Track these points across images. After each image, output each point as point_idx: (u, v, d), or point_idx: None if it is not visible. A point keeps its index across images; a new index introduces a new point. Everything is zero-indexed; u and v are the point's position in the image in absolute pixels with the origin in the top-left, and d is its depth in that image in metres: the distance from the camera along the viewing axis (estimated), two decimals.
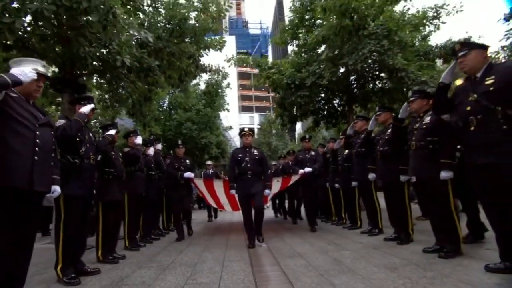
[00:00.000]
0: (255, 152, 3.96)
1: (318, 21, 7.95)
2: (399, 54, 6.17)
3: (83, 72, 5.02)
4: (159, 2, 5.80)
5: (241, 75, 43.89)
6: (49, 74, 2.12)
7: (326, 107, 8.65)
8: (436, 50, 7.25)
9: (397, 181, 3.27)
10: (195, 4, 5.97)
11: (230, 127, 16.59)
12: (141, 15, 5.68)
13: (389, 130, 3.46)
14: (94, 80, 6.39)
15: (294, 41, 8.72)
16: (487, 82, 2.00)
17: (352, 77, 7.48)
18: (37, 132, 1.89)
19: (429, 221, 3.01)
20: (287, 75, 7.48)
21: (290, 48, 9.43)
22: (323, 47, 7.50)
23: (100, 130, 3.64)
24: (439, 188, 2.59)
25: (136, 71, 4.98)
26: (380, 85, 7.58)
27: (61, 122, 2.48)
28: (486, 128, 1.96)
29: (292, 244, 3.73)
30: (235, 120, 33.17)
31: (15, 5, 3.42)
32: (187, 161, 4.90)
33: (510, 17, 6.44)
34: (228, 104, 14.15)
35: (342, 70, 7.11)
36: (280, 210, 7.38)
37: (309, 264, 2.69)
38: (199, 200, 11.62)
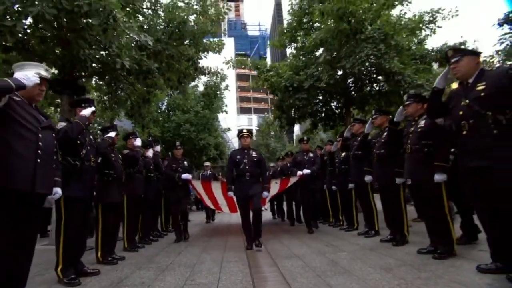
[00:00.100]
0: (254, 154, 3.94)
1: (316, 24, 8.03)
2: (396, 58, 6.25)
3: (83, 74, 5.06)
4: (158, 5, 5.85)
5: (240, 77, 43.99)
6: (49, 76, 2.15)
7: (324, 110, 8.72)
8: (432, 54, 7.34)
9: (393, 183, 3.33)
10: (194, 7, 6.03)
11: (229, 129, 16.62)
12: (140, 18, 5.72)
13: (385, 133, 3.52)
14: (93, 82, 6.41)
15: (293, 44, 8.79)
16: (479, 88, 2.06)
17: (349, 80, 7.55)
18: (40, 135, 1.93)
19: (424, 223, 3.07)
20: (285, 77, 7.55)
21: (289, 50, 9.51)
22: (321, 50, 7.57)
23: (99, 132, 3.67)
24: (433, 191, 2.65)
25: (136, 73, 5.02)
26: (377, 88, 7.67)
27: (62, 124, 2.51)
28: (478, 132, 2.02)
29: (290, 246, 3.77)
30: (234, 121, 33.21)
31: (16, 7, 3.46)
32: (185, 162, 4.90)
33: (504, 22, 6.55)
34: (226, 106, 14.20)
35: (339, 73, 7.19)
36: (278, 212, 7.41)
37: (306, 265, 2.73)
38: (197, 202, 11.63)
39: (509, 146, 1.86)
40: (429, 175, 2.60)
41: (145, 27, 5.54)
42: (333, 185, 5.12)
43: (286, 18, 9.10)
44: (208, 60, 6.80)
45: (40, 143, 1.91)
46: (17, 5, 3.45)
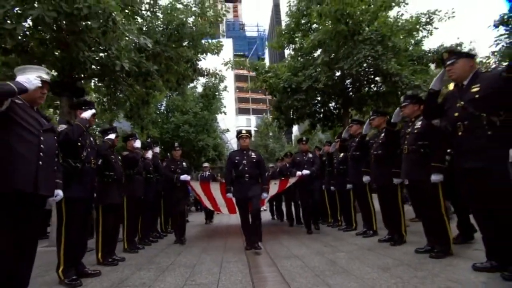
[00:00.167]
0: (253, 155, 3.91)
1: (314, 26, 8.08)
2: (393, 59, 6.31)
3: (82, 76, 5.07)
4: (157, 7, 5.87)
5: (238, 77, 44.03)
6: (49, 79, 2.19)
7: (322, 110, 8.76)
8: (429, 55, 7.41)
9: (390, 184, 3.37)
10: (193, 9, 6.06)
11: (227, 130, 16.65)
12: (139, 20, 5.75)
13: (383, 134, 3.56)
14: (92, 84, 6.43)
15: (291, 45, 8.84)
16: (473, 90, 2.10)
17: (347, 81, 7.59)
18: (42, 138, 1.96)
19: (421, 222, 3.10)
20: (283, 79, 7.59)
21: (287, 52, 9.55)
22: (319, 51, 7.62)
23: (97, 133, 3.69)
24: (430, 191, 2.69)
25: (135, 75, 5.04)
26: (375, 89, 7.72)
27: (63, 127, 2.53)
28: (473, 134, 2.06)
29: (289, 246, 3.80)
30: (232, 122, 33.23)
31: (16, 10, 3.48)
32: (184, 163, 4.88)
33: (500, 24, 6.63)
34: (225, 107, 14.23)
35: (337, 74, 7.22)
36: (277, 213, 7.43)
37: (305, 265, 2.76)
38: (196, 203, 11.65)
39: (503, 147, 1.90)
40: (425, 175, 2.64)
41: (144, 29, 5.56)
42: (331, 186, 5.15)
43: (284, 19, 9.15)
44: (207, 61, 6.83)
45: (42, 146, 1.94)
46: (16, 8, 3.47)
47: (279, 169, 6.86)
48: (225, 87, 13.53)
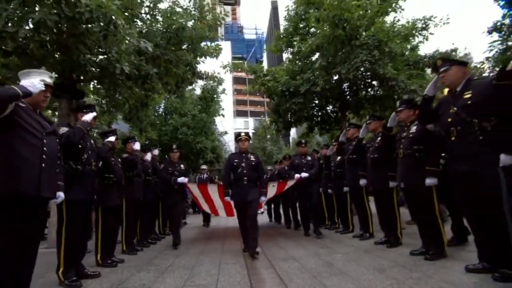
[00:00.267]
0: (252, 158, 3.86)
1: (312, 30, 8.18)
2: (390, 64, 6.40)
3: (81, 78, 5.10)
4: (157, 10, 5.93)
5: (236, 80, 44.15)
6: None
7: (319, 114, 8.84)
8: (425, 59, 7.51)
9: (386, 187, 3.43)
10: (192, 12, 6.13)
11: (225, 132, 16.70)
12: (139, 23, 5.80)
13: (379, 138, 3.63)
14: (91, 86, 6.46)
15: (289, 49, 8.93)
16: (465, 96, 2.17)
17: (345, 85, 7.68)
18: (44, 141, 1.99)
19: (417, 225, 3.16)
20: (282, 82, 7.67)
21: (285, 55, 9.65)
22: (317, 55, 7.71)
23: (95, 135, 3.71)
24: (425, 195, 2.75)
25: (135, 78, 5.08)
26: (372, 93, 7.81)
27: (64, 129, 2.56)
28: (465, 139, 2.13)
29: (286, 248, 3.84)
30: (230, 124, 33.32)
31: (17, 13, 3.51)
32: (181, 165, 4.83)
33: (493, 30, 6.78)
34: (223, 109, 14.28)
35: (335, 78, 7.31)
36: (275, 215, 7.45)
37: (303, 266, 2.80)
38: (194, 205, 11.65)
39: (494, 152, 1.96)
40: (420, 179, 2.70)
41: (144, 31, 5.60)
42: (328, 189, 5.21)
43: (283, 23, 9.25)
44: (206, 64, 6.89)
45: (44, 148, 1.98)
46: (18, 11, 3.50)
47: (278, 171, 6.89)
48: (224, 89, 13.59)
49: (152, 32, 5.64)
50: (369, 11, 6.73)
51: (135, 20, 5.58)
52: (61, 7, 3.42)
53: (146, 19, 5.88)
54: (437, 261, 2.59)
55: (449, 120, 2.26)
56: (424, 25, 7.45)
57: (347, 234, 4.60)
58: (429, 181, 2.65)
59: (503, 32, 6.83)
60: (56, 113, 5.76)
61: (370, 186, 3.91)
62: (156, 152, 5.07)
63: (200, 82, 11.93)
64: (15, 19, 3.53)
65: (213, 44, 6.75)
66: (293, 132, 26.86)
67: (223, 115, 14.28)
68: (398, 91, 6.52)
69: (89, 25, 3.87)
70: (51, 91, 2.25)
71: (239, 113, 48.05)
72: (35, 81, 1.94)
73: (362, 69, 6.61)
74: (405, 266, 2.53)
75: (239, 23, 61.52)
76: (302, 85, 7.30)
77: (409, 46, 7.95)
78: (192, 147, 12.65)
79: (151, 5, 5.78)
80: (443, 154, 2.92)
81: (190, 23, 5.97)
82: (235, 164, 3.81)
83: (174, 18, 5.76)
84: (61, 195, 2.20)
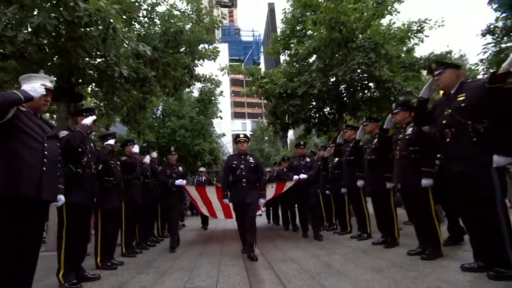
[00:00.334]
0: (251, 160, 3.82)
1: (309, 32, 8.24)
2: (386, 66, 6.47)
3: (79, 81, 5.11)
4: (155, 13, 5.96)
5: (234, 82, 44.22)
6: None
7: (317, 115, 8.89)
8: (420, 62, 7.60)
9: (383, 188, 3.47)
10: (190, 15, 6.16)
11: (223, 134, 16.71)
12: (137, 26, 5.82)
13: (376, 140, 3.68)
14: (89, 89, 6.46)
15: (286, 51, 8.98)
16: (459, 99, 2.22)
17: (341, 87, 7.73)
18: (45, 144, 2.01)
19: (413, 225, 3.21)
20: (279, 84, 7.71)
21: (282, 57, 9.70)
22: (314, 57, 7.77)
23: (93, 137, 3.71)
24: (421, 196, 2.80)
25: (133, 81, 5.09)
26: (368, 95, 7.88)
27: (64, 133, 2.58)
28: (459, 140, 2.18)
29: (285, 249, 3.87)
30: (228, 126, 33.31)
31: (16, 17, 3.52)
32: (180, 168, 4.81)
33: (486, 32, 6.89)
34: (221, 111, 14.30)
35: (332, 80, 7.36)
36: (273, 217, 7.47)
37: (301, 267, 2.83)
38: (192, 207, 11.63)
39: (487, 153, 2.01)
40: (416, 180, 2.74)
41: (142, 34, 5.62)
42: (326, 190, 5.25)
43: (280, 26, 9.31)
44: (203, 67, 6.91)
45: (45, 152, 2.00)
46: (16, 15, 3.52)
47: (276, 173, 6.91)
48: (221, 92, 13.61)
49: (150, 35, 5.66)
50: (365, 14, 6.81)
51: (133, 23, 5.60)
52: (60, 11, 3.44)
53: (144, 22, 5.90)
54: (433, 261, 2.63)
55: (444, 122, 2.31)
56: (419, 28, 7.56)
57: (345, 235, 4.64)
58: (425, 182, 2.69)
59: (496, 35, 6.95)
60: (54, 116, 5.73)
61: (368, 187, 3.95)
62: (154, 155, 5.09)
63: (198, 85, 11.95)
64: (13, 22, 3.56)
65: (211, 47, 6.79)
66: (290, 133, 26.94)
67: (220, 117, 14.30)
68: (394, 93, 6.60)
69: (88, 29, 3.89)
70: (52, 95, 2.27)
71: (236, 115, 48.08)
72: (36, 85, 1.97)
73: (358, 71, 6.68)
74: (403, 266, 2.57)
75: (236, 25, 61.67)
76: (300, 87, 7.35)
77: (404, 49, 8.04)
78: (190, 149, 12.66)
79: (149, 8, 5.82)
80: (438, 156, 2.97)
81: (188, 26, 6.01)
82: (234, 165, 3.79)
83: (172, 21, 5.79)
84: (61, 198, 2.22)
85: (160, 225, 5.69)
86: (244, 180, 3.69)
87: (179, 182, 4.52)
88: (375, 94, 7.60)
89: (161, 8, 6.06)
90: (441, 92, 2.67)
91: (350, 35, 6.54)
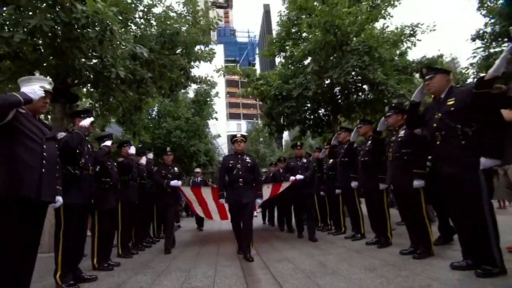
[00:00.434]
0: (247, 159, 3.78)
1: (304, 35, 8.35)
2: (379, 69, 6.60)
3: (75, 82, 5.09)
4: (151, 15, 5.97)
5: (229, 83, 44.22)
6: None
7: (312, 117, 8.99)
8: (413, 65, 7.78)
9: (377, 189, 3.55)
10: (187, 17, 6.19)
11: (219, 135, 16.73)
12: (133, 27, 5.82)
13: (369, 142, 3.76)
14: (85, 90, 6.43)
15: (281, 53, 9.07)
16: (449, 103, 2.31)
17: (336, 89, 7.85)
18: (44, 146, 2.03)
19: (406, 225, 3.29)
20: (274, 86, 7.79)
21: (278, 59, 9.79)
22: (309, 60, 7.86)
23: (89, 138, 3.70)
24: (413, 197, 2.88)
25: (129, 82, 5.10)
26: (362, 97, 8.00)
27: (62, 134, 2.60)
28: (449, 143, 2.27)
29: (281, 250, 3.92)
30: (223, 127, 33.30)
31: (13, 18, 3.51)
32: (175, 168, 4.80)
33: (476, 37, 7.08)
34: (216, 112, 14.33)
35: (327, 82, 7.47)
36: (269, 218, 7.51)
37: (297, 267, 2.89)
38: (187, 208, 11.62)
39: (475, 156, 2.10)
40: (408, 181, 2.83)
41: (138, 35, 5.63)
42: (321, 191, 5.31)
43: (275, 28, 9.40)
44: (199, 68, 6.94)
45: (44, 154, 2.02)
46: (13, 16, 3.50)
47: (272, 174, 6.96)
48: (217, 93, 13.64)
49: (146, 36, 5.66)
50: (359, 17, 6.92)
51: (129, 24, 5.60)
52: (56, 13, 3.44)
53: (140, 23, 5.90)
54: (424, 260, 2.71)
55: (434, 125, 2.39)
56: (412, 32, 7.72)
57: (340, 235, 4.71)
58: (417, 183, 2.77)
59: (485, 40, 7.15)
60: (49, 117, 5.69)
61: (361, 188, 4.03)
62: (151, 156, 5.09)
63: (194, 86, 11.96)
64: (8, 23, 3.54)
65: (207, 48, 6.83)
66: (285, 135, 27.05)
67: (216, 118, 14.32)
68: (388, 95, 6.72)
69: (85, 30, 3.89)
70: (50, 97, 2.29)
71: (232, 116, 48.11)
72: (35, 87, 1.99)
73: (353, 73, 6.80)
74: (395, 265, 2.65)
75: (231, 26, 61.76)
76: (295, 89, 7.43)
77: (398, 52, 8.20)
78: (185, 150, 12.65)
79: (145, 9, 5.83)
80: (429, 157, 3.06)
81: (184, 28, 6.03)
82: (230, 165, 3.76)
83: (168, 22, 5.81)
84: (59, 199, 2.24)
85: (156, 226, 5.69)
86: (241, 180, 3.68)
87: (174, 183, 4.50)
88: (369, 96, 7.73)
89: (157, 10, 6.09)
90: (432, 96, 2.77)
91: (345, 38, 6.65)
